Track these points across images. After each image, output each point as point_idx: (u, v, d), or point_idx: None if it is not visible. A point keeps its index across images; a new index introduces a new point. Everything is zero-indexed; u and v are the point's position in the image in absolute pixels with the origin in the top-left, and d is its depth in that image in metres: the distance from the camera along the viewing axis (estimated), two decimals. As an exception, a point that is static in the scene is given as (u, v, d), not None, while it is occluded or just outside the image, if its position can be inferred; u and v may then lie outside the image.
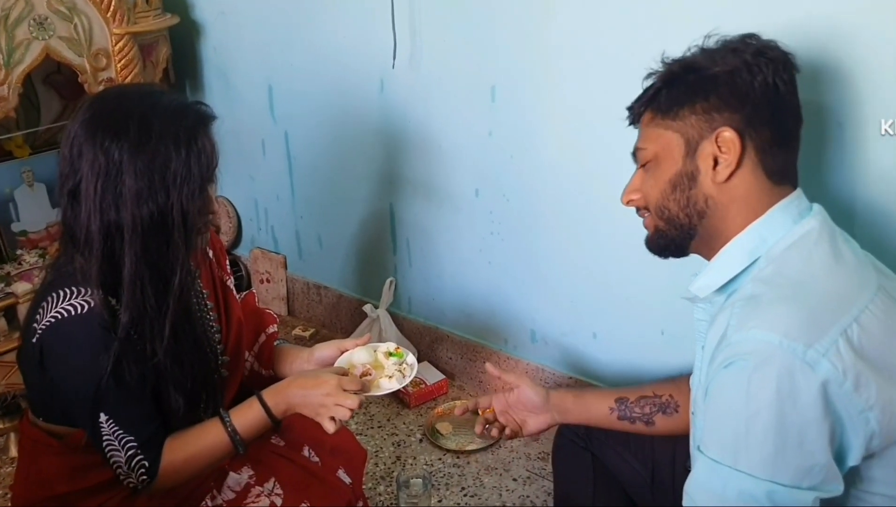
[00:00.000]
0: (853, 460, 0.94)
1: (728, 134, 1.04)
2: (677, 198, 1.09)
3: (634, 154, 1.16)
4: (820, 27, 1.34)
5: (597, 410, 1.39)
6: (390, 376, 1.30)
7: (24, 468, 1.32)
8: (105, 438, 1.16)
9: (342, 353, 1.37)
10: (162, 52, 2.28)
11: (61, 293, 1.13)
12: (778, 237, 1.03)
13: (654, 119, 1.10)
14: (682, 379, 1.36)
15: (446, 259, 2.18)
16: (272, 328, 1.50)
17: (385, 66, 2.03)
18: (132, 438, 1.16)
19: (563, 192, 1.85)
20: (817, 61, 1.34)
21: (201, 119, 1.17)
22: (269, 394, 1.23)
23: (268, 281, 2.71)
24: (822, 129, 1.39)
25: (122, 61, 2.02)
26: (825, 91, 1.36)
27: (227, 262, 1.49)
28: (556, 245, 1.92)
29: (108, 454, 1.17)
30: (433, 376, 2.23)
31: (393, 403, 2.20)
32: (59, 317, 1.12)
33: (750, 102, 1.03)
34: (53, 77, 2.20)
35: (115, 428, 1.15)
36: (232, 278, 1.48)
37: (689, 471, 1.25)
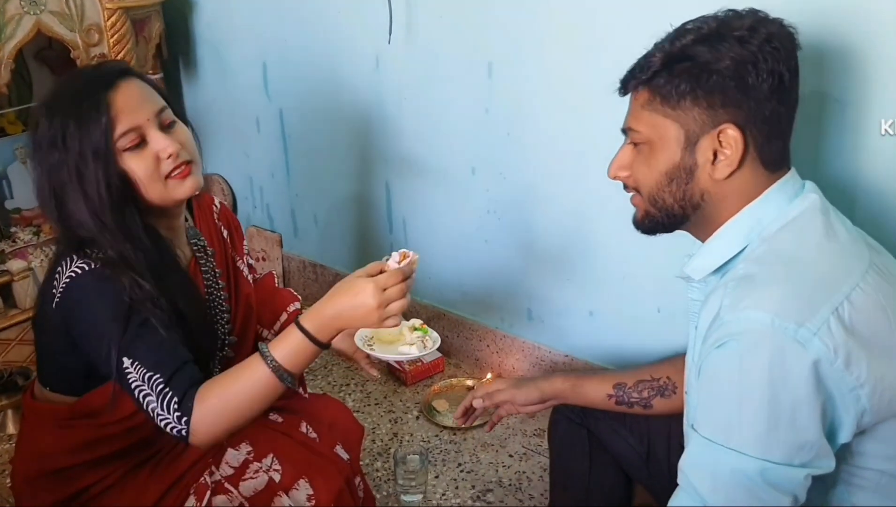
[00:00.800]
0: (844, 437, 0.95)
1: (732, 132, 1.01)
2: (673, 191, 1.06)
3: (623, 130, 1.13)
4: (820, 27, 1.33)
5: (594, 396, 1.40)
6: (411, 344, 1.30)
7: (24, 441, 1.33)
8: (134, 384, 1.10)
9: None
10: (155, 28, 2.26)
11: (74, 257, 1.14)
12: (772, 218, 1.03)
13: (652, 103, 1.05)
14: (678, 359, 1.36)
15: (443, 237, 2.18)
16: (294, 306, 1.49)
17: (380, 42, 2.01)
18: (158, 375, 1.09)
19: (559, 170, 1.85)
20: (817, 61, 1.34)
21: (98, 79, 1.15)
22: (307, 319, 1.10)
23: (263, 259, 2.71)
24: (822, 129, 1.39)
25: (115, 37, 2.00)
26: (825, 91, 1.36)
27: (244, 243, 1.49)
28: (553, 223, 1.92)
29: (144, 402, 1.10)
30: (430, 353, 2.22)
31: (390, 380, 2.21)
32: (75, 274, 1.13)
33: (754, 98, 1.00)
34: (45, 53, 2.18)
35: (143, 370, 1.09)
36: (246, 259, 1.48)
37: (683, 448, 1.28)
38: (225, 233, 1.43)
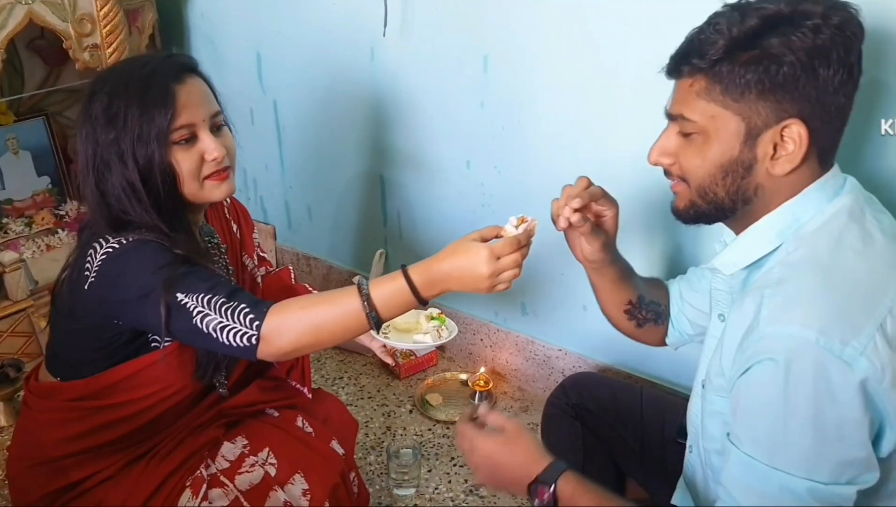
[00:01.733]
0: (883, 452, 0.92)
1: (797, 128, 0.95)
2: (727, 185, 1.00)
3: (671, 115, 1.03)
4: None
5: (624, 294, 1.32)
6: (426, 333, 1.29)
7: (21, 431, 1.33)
8: (195, 311, 1.08)
9: None
10: (148, 18, 2.24)
11: (109, 238, 1.15)
12: (810, 216, 0.99)
13: (711, 92, 0.97)
14: (665, 288, 1.36)
15: (437, 231, 2.17)
16: None
17: (376, 34, 2.00)
18: (218, 296, 1.09)
19: (554, 165, 1.84)
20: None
21: (169, 70, 1.16)
22: (415, 270, 1.07)
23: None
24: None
25: (108, 27, 1.98)
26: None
27: (254, 235, 1.48)
28: (547, 218, 1.91)
29: (204, 324, 1.08)
30: (423, 347, 2.24)
31: (383, 374, 2.21)
32: (113, 250, 1.14)
33: (824, 91, 0.94)
34: (37, 42, 2.16)
35: (199, 295, 1.09)
36: (256, 251, 1.47)
37: (677, 442, 1.28)
38: (235, 227, 1.43)
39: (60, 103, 2.34)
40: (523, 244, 1.08)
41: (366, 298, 1.06)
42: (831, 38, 0.92)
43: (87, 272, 1.15)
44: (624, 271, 1.32)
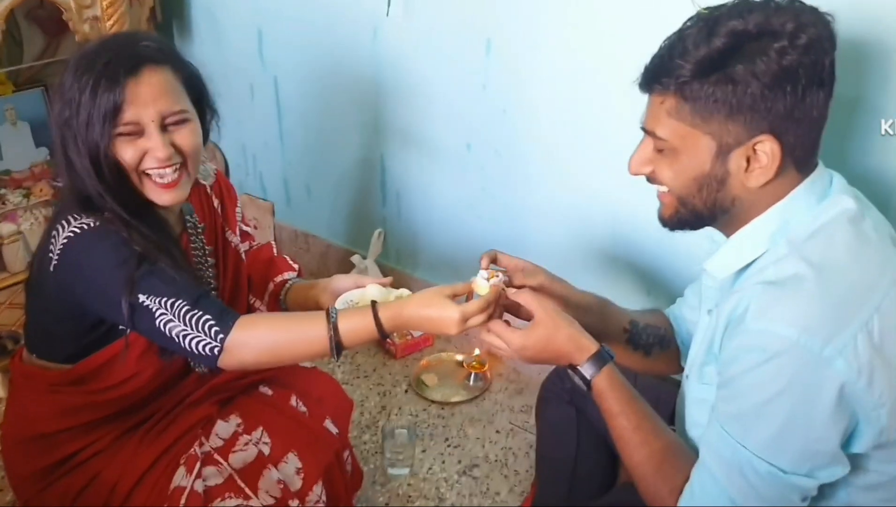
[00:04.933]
0: (860, 448, 0.95)
1: (770, 144, 0.95)
2: (703, 197, 1.01)
3: (645, 130, 1.05)
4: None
5: (615, 324, 1.32)
6: None
7: (12, 405, 1.33)
8: (158, 313, 1.09)
9: (357, 288, 1.33)
10: (149, -9, 2.22)
11: (71, 219, 1.15)
12: (800, 219, 1.00)
13: (680, 111, 0.98)
14: (661, 314, 1.37)
15: (436, 212, 2.17)
16: (281, 277, 1.47)
17: (379, 13, 1.98)
18: (182, 301, 1.09)
19: (555, 150, 1.84)
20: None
21: (126, 60, 1.13)
22: (386, 309, 1.12)
23: (255, 228, 2.68)
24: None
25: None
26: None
27: (237, 209, 1.47)
28: (547, 203, 1.92)
29: (166, 329, 1.09)
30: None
31: (379, 353, 2.21)
32: (74, 234, 1.14)
33: (793, 106, 0.94)
34: (37, 12, 2.14)
35: (163, 299, 1.09)
36: (239, 226, 1.46)
37: (672, 427, 1.29)
38: (216, 203, 1.42)
39: (60, 75, 2.31)
40: (492, 302, 1.14)
41: (333, 326, 1.10)
42: (798, 59, 0.92)
43: (51, 254, 1.15)
44: (598, 300, 1.34)
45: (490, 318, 1.14)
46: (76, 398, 1.25)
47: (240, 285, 1.44)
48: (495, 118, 1.92)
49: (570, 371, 1.14)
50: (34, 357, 1.28)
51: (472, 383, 2.09)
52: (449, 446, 1.89)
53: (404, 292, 1.32)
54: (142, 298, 1.10)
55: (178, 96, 1.18)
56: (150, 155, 1.16)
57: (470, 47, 1.89)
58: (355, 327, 1.12)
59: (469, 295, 1.17)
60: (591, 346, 1.13)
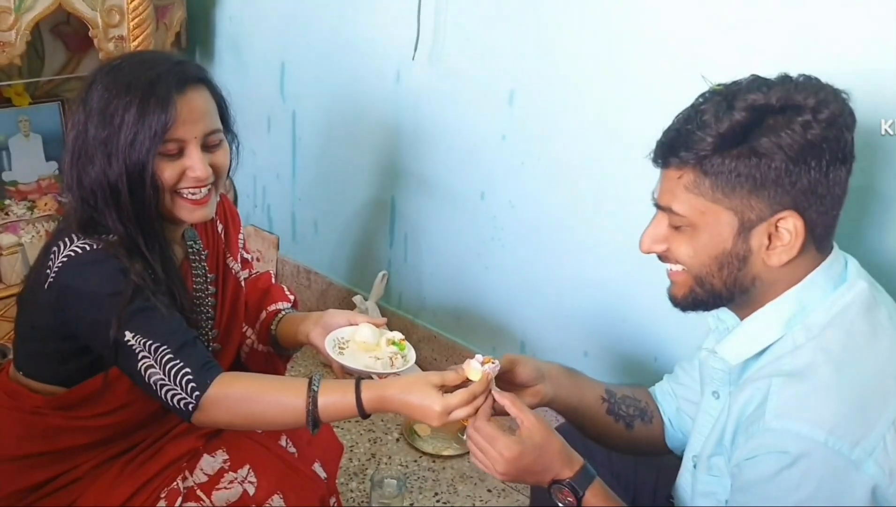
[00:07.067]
0: None
1: (793, 220, 0.93)
2: (724, 276, 0.98)
3: (659, 205, 1.02)
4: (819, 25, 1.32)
5: (590, 395, 1.28)
6: (378, 358, 1.24)
7: None
8: (140, 356, 1.08)
9: (350, 325, 1.30)
10: (176, 16, 2.24)
11: (74, 238, 1.13)
12: (816, 305, 0.97)
13: (699, 186, 0.95)
14: (644, 389, 1.32)
15: (443, 259, 2.15)
16: (274, 306, 1.45)
17: (404, 57, 1.99)
18: (165, 347, 1.08)
19: (570, 206, 1.82)
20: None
21: (174, 78, 1.13)
22: (369, 390, 1.10)
23: (258, 260, 2.67)
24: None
25: (136, 20, 1.97)
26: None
27: (240, 236, 1.45)
28: (557, 259, 1.89)
29: (146, 375, 1.08)
30: (405, 371, 2.19)
31: (373, 398, 2.16)
32: (74, 254, 1.12)
33: (816, 183, 0.93)
34: (62, 28, 2.15)
35: (147, 341, 1.08)
36: (240, 253, 1.44)
37: (670, 502, 1.25)
38: (220, 227, 1.40)
39: (82, 91, 2.31)
40: (479, 394, 1.10)
41: (312, 397, 1.08)
42: (822, 133, 0.91)
43: (48, 270, 1.13)
44: (568, 369, 1.31)
45: (477, 408, 1.09)
46: (59, 422, 1.21)
47: (237, 314, 1.41)
48: (512, 170, 1.91)
49: (553, 489, 1.07)
50: (21, 375, 1.25)
51: (465, 436, 2.03)
52: (438, 501, 1.83)
53: (397, 334, 1.29)
54: (128, 335, 1.08)
55: (216, 117, 1.19)
56: (189, 174, 1.15)
57: (493, 97, 1.89)
58: (335, 402, 1.09)
59: (465, 381, 1.12)
60: (580, 459, 1.08)
